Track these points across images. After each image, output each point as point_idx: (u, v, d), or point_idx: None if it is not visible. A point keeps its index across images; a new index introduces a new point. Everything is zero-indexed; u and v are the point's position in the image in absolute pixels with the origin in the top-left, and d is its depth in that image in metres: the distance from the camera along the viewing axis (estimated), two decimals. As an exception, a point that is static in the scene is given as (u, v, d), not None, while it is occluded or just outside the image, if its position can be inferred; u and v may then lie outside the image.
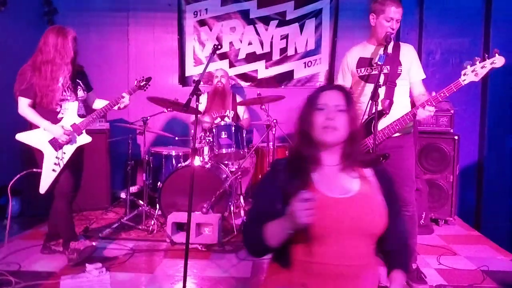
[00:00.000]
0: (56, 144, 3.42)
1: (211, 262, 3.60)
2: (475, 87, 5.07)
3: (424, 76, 3.14)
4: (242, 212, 4.53)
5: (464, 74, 2.81)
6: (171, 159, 4.95)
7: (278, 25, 5.80)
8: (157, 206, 4.37)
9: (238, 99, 5.31)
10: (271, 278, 1.69)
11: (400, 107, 3.01)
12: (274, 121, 4.49)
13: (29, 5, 5.39)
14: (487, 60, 2.78)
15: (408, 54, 3.11)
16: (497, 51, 2.78)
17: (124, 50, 5.87)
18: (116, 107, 3.63)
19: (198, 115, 4.20)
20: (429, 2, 5.28)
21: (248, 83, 5.91)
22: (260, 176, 5.26)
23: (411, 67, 3.10)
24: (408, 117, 2.92)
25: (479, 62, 2.79)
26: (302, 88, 5.80)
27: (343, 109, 1.62)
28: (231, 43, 5.86)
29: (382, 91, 2.95)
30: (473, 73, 2.80)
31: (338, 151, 1.65)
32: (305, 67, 5.85)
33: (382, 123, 2.97)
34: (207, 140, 4.51)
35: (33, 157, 3.49)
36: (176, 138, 5.05)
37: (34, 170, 3.41)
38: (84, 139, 3.55)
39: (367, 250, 1.59)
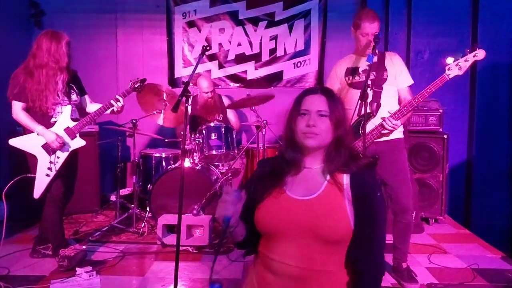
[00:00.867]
0: (49, 149, 3.40)
1: (202, 264, 3.59)
2: (463, 86, 5.14)
3: (411, 82, 3.22)
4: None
5: (449, 69, 2.95)
6: (161, 161, 4.93)
7: (267, 26, 5.80)
8: (148, 209, 4.35)
9: (225, 100, 5.29)
10: (251, 266, 1.76)
11: (387, 110, 3.07)
12: (264, 122, 4.49)
13: (15, 8, 5.34)
14: (469, 54, 2.92)
15: (393, 61, 3.21)
16: (477, 44, 2.96)
17: (113, 52, 5.83)
18: (109, 111, 3.60)
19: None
20: (417, 2, 5.30)
21: (238, 84, 5.90)
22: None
23: (397, 73, 3.18)
24: (378, 129, 3.04)
25: (461, 57, 2.93)
26: (292, 88, 5.81)
27: (325, 114, 1.60)
28: (220, 44, 5.85)
29: (369, 94, 3.03)
30: (457, 67, 2.93)
31: (321, 154, 1.64)
32: (294, 67, 5.85)
33: (370, 125, 3.05)
34: (197, 142, 4.50)
35: (25, 161, 3.46)
36: (166, 140, 5.03)
37: (28, 175, 3.38)
38: (78, 143, 3.53)
39: (327, 257, 1.54)
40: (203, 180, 4.31)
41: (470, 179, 5.24)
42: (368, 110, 2.91)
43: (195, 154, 4.54)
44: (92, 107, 3.71)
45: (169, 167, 4.67)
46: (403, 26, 5.39)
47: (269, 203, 1.61)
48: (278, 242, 1.57)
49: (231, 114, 5.33)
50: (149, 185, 4.47)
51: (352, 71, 3.24)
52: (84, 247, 3.83)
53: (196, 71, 3.26)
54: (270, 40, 5.82)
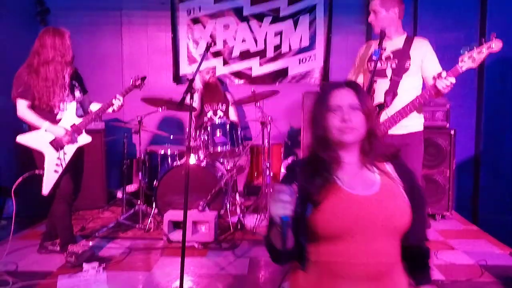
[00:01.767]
0: (57, 145, 3.42)
1: (208, 259, 3.59)
2: (471, 81, 5.09)
3: (440, 70, 3.01)
4: (238, 210, 4.52)
5: (462, 61, 2.80)
6: (166, 157, 4.94)
7: (272, 22, 5.78)
8: (154, 205, 4.36)
9: (228, 96, 5.32)
10: (295, 283, 1.62)
11: (405, 100, 2.98)
12: (269, 118, 4.48)
13: (21, 5, 5.36)
14: (484, 44, 2.75)
15: (420, 48, 3.08)
16: (494, 34, 2.74)
17: (118, 49, 5.84)
18: (110, 110, 3.60)
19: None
20: (424, -3, 5.27)
21: (243, 81, 5.89)
22: (255, 174, 5.26)
23: (424, 61, 3.06)
24: (423, 96, 2.92)
25: (476, 48, 2.77)
26: (297, 84, 5.79)
27: (357, 107, 1.55)
28: (224, 40, 5.84)
29: (387, 84, 3.00)
30: (470, 59, 2.78)
31: (356, 148, 1.59)
32: (299, 63, 5.83)
33: (384, 116, 2.99)
34: (202, 139, 4.50)
35: (32, 158, 3.48)
36: (171, 137, 5.04)
37: (36, 172, 3.40)
38: (84, 139, 3.56)
39: (394, 248, 1.53)
40: (208, 177, 4.31)
41: (477, 174, 5.20)
42: (381, 101, 2.85)
43: (200, 150, 4.54)
44: (93, 106, 3.72)
45: (174, 163, 4.68)
46: (410, 21, 5.34)
47: (330, 203, 1.49)
48: (346, 243, 1.47)
49: (231, 111, 5.34)
50: (155, 181, 4.48)
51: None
52: (90, 243, 3.87)
53: (201, 68, 3.25)
54: (275, 36, 5.80)
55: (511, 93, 5.00)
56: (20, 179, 3.33)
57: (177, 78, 5.88)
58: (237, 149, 4.55)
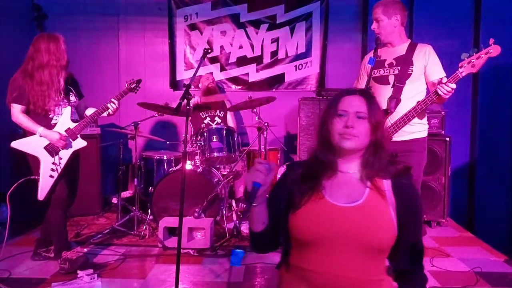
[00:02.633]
0: (52, 150, 3.41)
1: (203, 266, 3.58)
2: (466, 88, 5.12)
3: (444, 75, 3.06)
4: (234, 216, 4.51)
5: (461, 66, 2.83)
6: (162, 163, 4.93)
7: (269, 29, 5.80)
8: (149, 211, 4.34)
9: (226, 103, 5.33)
10: (280, 282, 1.66)
11: (409, 106, 3.00)
12: (266, 124, 4.48)
13: (18, 11, 5.36)
14: (483, 50, 2.79)
15: (422, 54, 3.10)
16: (492, 40, 2.78)
17: (115, 55, 5.84)
18: (105, 114, 3.60)
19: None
20: (419, 5, 5.30)
21: (239, 87, 5.90)
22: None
23: (427, 66, 3.08)
24: (424, 102, 2.94)
25: (475, 53, 2.81)
26: (293, 91, 5.81)
27: (364, 116, 1.54)
28: (221, 47, 5.85)
29: (390, 90, 3.02)
30: (469, 64, 2.81)
31: (357, 159, 1.57)
32: (296, 70, 5.85)
33: (387, 123, 3.00)
34: (199, 144, 4.50)
35: (27, 164, 3.47)
36: (168, 143, 5.04)
37: (32, 177, 3.39)
38: (79, 143, 3.55)
39: (373, 266, 1.49)
40: (204, 183, 4.30)
41: (472, 181, 5.22)
42: (384, 107, 2.87)
43: (196, 156, 4.54)
44: (87, 111, 3.72)
45: (170, 169, 4.68)
46: (405, 29, 5.37)
47: (308, 209, 1.51)
48: (317, 252, 1.48)
49: (229, 117, 5.35)
50: (150, 187, 4.47)
51: (378, 64, 3.13)
52: (85, 249, 3.85)
53: (198, 74, 3.26)
54: (272, 42, 5.82)
55: (505, 100, 5.04)
56: (15, 185, 3.32)
57: (174, 84, 5.88)
58: (233, 155, 4.55)
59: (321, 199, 1.52)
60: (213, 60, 5.84)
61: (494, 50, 2.78)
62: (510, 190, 5.02)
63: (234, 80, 5.90)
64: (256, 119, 4.70)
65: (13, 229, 4.20)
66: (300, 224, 1.52)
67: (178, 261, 2.70)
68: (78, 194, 3.77)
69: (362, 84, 3.28)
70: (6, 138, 3.47)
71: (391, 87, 3.06)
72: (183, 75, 5.88)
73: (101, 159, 5.16)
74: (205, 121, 5.16)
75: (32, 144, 3.40)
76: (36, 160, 3.40)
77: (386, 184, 1.55)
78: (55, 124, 3.46)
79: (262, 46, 5.83)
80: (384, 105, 3.03)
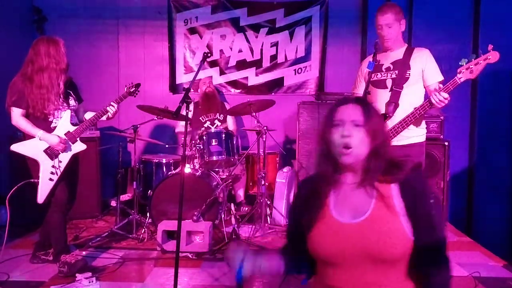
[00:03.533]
0: (51, 153, 3.42)
1: (202, 270, 3.57)
2: (464, 92, 5.14)
3: (441, 79, 3.11)
4: (233, 220, 4.51)
5: (460, 72, 2.85)
6: (161, 167, 4.93)
7: (268, 33, 5.81)
8: (148, 214, 4.34)
9: (226, 106, 5.34)
10: None
11: (407, 110, 3.02)
12: (265, 128, 4.49)
13: (18, 13, 5.37)
14: (481, 56, 2.82)
15: (420, 58, 3.14)
16: (491, 46, 2.80)
17: (114, 58, 5.85)
18: (104, 117, 3.61)
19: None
20: (418, 9, 5.32)
21: (239, 90, 5.91)
22: (251, 183, 5.27)
23: (425, 70, 3.12)
24: (422, 107, 2.96)
25: (474, 59, 2.83)
26: (293, 95, 5.82)
27: (360, 124, 1.50)
28: (221, 50, 5.86)
29: (388, 95, 3.04)
30: (468, 70, 2.84)
31: (359, 168, 1.54)
32: (295, 74, 5.86)
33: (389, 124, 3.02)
34: (198, 148, 4.50)
35: (26, 167, 3.47)
36: (167, 146, 5.04)
37: (32, 180, 3.39)
38: (79, 146, 3.56)
39: (391, 275, 1.46)
40: (203, 186, 4.30)
41: (471, 186, 5.23)
42: (383, 112, 2.89)
43: (195, 160, 4.54)
44: (87, 115, 3.73)
45: (169, 173, 4.67)
46: (404, 33, 5.38)
47: (319, 229, 1.53)
48: (336, 268, 1.50)
49: (230, 120, 5.35)
50: (149, 191, 4.47)
51: (376, 68, 3.13)
52: (84, 252, 3.84)
53: (197, 77, 3.27)
54: (271, 46, 5.84)
55: (504, 105, 5.05)
56: (15, 188, 3.32)
57: (174, 88, 5.89)
58: (232, 159, 4.55)
59: (327, 217, 1.52)
60: (213, 64, 5.85)
61: (493, 56, 2.80)
62: (509, 195, 5.02)
63: (234, 84, 5.91)
64: (255, 123, 4.70)
65: (12, 232, 4.20)
66: (313, 245, 1.54)
67: (176, 265, 2.70)
68: (77, 197, 3.77)
69: (359, 90, 3.30)
70: (6, 142, 3.48)
71: (389, 91, 3.08)
72: (183, 78, 5.89)
73: (100, 162, 5.16)
74: (205, 125, 5.16)
75: (31, 147, 3.40)
76: (35, 164, 3.40)
77: (394, 189, 1.51)
78: (55, 127, 3.46)
79: (261, 50, 5.84)
80: (382, 110, 3.04)
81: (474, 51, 5.06)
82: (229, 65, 5.88)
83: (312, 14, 5.76)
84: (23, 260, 3.67)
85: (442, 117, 4.63)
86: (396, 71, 3.11)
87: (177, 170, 4.60)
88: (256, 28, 5.81)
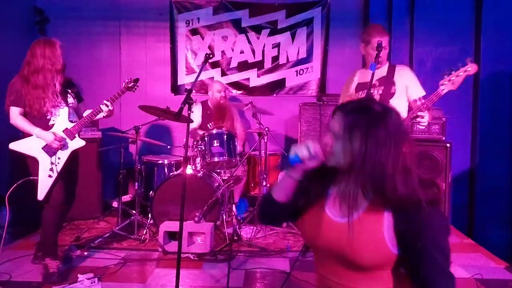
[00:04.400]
0: (50, 151, 3.43)
1: (203, 271, 3.57)
2: (466, 94, 5.13)
3: (423, 94, 3.31)
4: (235, 221, 4.51)
5: (442, 84, 3.02)
6: (163, 167, 4.94)
7: (270, 34, 5.82)
8: (149, 215, 4.34)
9: (235, 117, 5.35)
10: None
11: None
12: (266, 129, 4.49)
13: (20, 15, 5.38)
14: (461, 68, 2.98)
15: (402, 74, 3.33)
16: (469, 59, 3.00)
17: (116, 59, 5.86)
18: (102, 115, 3.63)
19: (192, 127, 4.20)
20: (420, 11, 5.31)
21: (240, 92, 5.91)
22: (252, 184, 5.27)
23: (408, 87, 3.31)
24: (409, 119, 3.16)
25: (454, 71, 2.99)
26: (294, 96, 5.82)
27: (338, 135, 1.46)
28: (223, 51, 5.87)
29: None
30: (450, 82, 2.99)
31: (352, 176, 1.46)
32: (297, 75, 5.87)
33: None
34: (199, 149, 4.50)
35: (26, 165, 3.48)
36: (169, 147, 5.04)
37: (31, 178, 3.40)
38: (77, 143, 3.57)
39: (376, 278, 1.44)
40: (204, 187, 4.30)
41: (473, 188, 5.21)
42: None
43: (197, 161, 4.54)
44: (85, 113, 3.73)
45: (171, 173, 4.68)
46: (406, 35, 5.39)
47: (309, 218, 1.57)
48: (319, 257, 1.59)
49: (238, 125, 5.35)
50: (151, 191, 4.47)
51: (363, 86, 3.30)
52: (85, 253, 3.85)
53: (199, 79, 3.28)
54: (273, 47, 5.84)
55: (506, 107, 5.04)
56: (14, 186, 3.33)
57: (175, 88, 5.90)
58: (234, 160, 4.55)
59: (322, 211, 1.55)
60: (214, 65, 5.85)
61: (472, 68, 2.98)
62: (511, 197, 5.01)
63: (235, 85, 5.92)
64: (257, 124, 4.70)
65: (14, 232, 4.23)
66: (301, 229, 1.64)
67: (178, 266, 2.70)
68: (78, 197, 3.77)
69: (343, 100, 3.40)
70: (5, 141, 3.48)
71: None
72: (184, 79, 5.90)
73: (102, 163, 5.16)
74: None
75: (29, 145, 3.42)
76: (34, 162, 3.42)
77: (387, 218, 1.43)
78: (53, 125, 3.49)
79: (263, 51, 5.85)
80: None
81: (476, 53, 5.05)
82: (230, 66, 5.89)
83: (314, 15, 5.77)
84: (25, 260, 3.67)
85: (444, 119, 4.63)
86: (382, 87, 3.27)
87: (178, 171, 4.60)
88: (257, 29, 5.82)
